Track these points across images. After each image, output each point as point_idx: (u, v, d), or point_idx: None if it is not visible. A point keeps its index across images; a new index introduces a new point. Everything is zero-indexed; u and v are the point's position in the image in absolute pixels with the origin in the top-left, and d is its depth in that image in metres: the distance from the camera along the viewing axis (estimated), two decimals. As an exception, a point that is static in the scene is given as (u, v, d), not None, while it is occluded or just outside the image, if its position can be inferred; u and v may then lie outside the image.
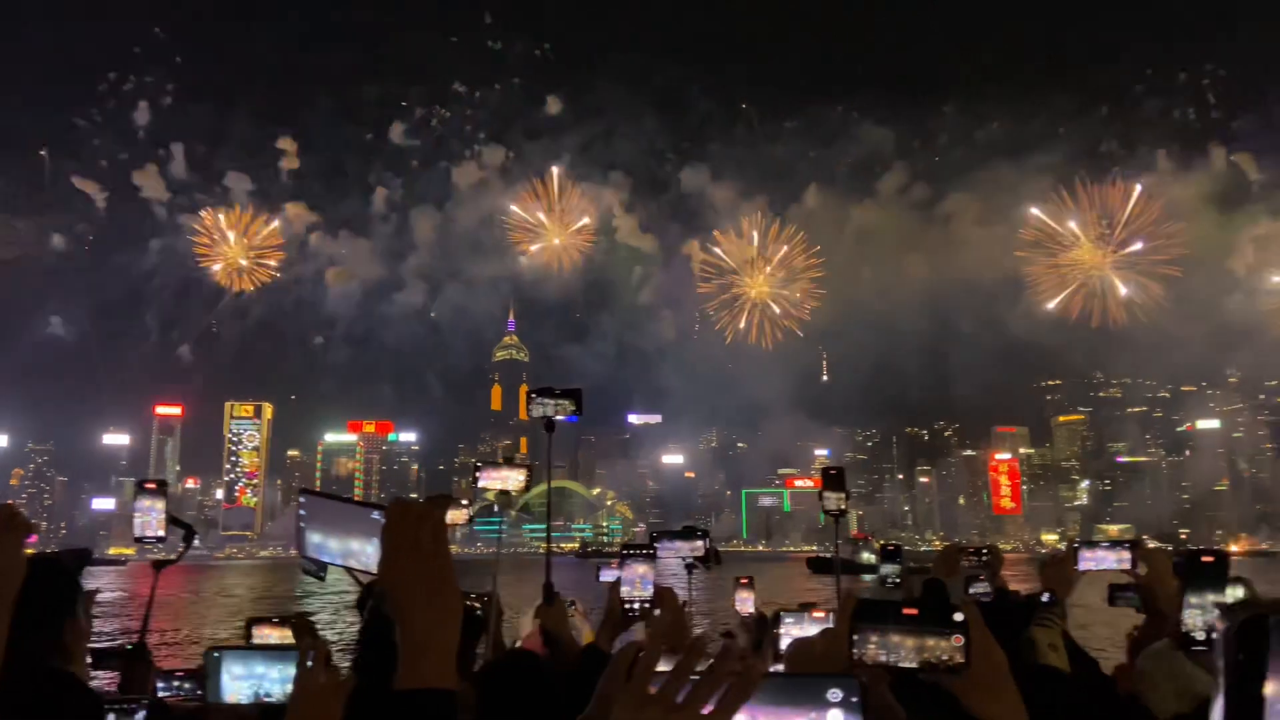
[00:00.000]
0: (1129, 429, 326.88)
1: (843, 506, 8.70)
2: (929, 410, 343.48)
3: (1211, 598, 3.66)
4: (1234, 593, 7.66)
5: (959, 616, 2.10)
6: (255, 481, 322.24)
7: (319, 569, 3.27)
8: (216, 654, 3.94)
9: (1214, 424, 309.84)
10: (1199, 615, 3.66)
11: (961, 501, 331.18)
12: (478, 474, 7.04)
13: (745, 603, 9.87)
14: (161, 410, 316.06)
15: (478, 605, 5.67)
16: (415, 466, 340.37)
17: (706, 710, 1.40)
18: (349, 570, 2.44)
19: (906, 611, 2.11)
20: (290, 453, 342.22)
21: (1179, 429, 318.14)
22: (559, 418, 7.42)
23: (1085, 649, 5.96)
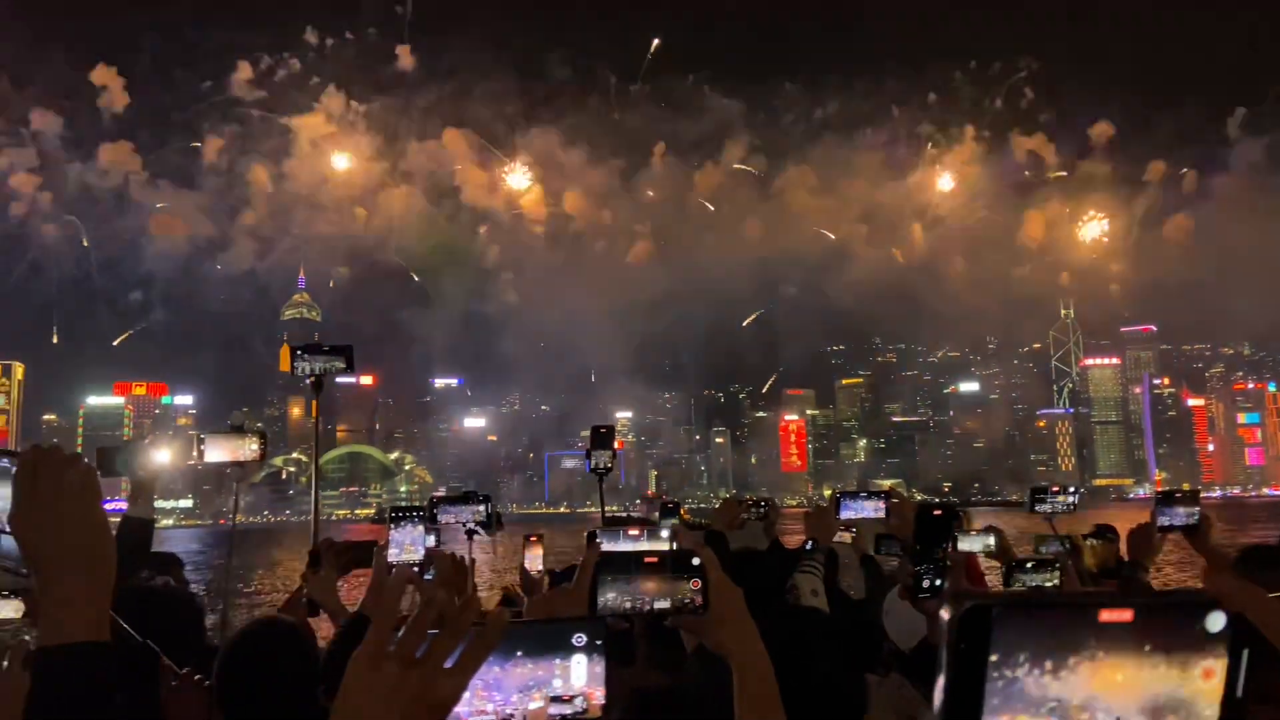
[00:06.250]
0: (902, 391, 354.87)
1: (609, 464, 8.85)
2: (725, 374, 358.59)
3: (940, 550, 3.83)
4: (985, 541, 8.38)
5: (696, 561, 2.20)
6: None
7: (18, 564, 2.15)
8: None
9: (974, 386, 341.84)
10: (927, 565, 3.81)
11: (754, 460, 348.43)
12: (202, 446, 6.49)
13: (534, 560, 9.88)
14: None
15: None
16: (193, 432, 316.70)
17: (448, 664, 1.34)
18: None
19: (648, 560, 2.20)
20: (46, 417, 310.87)
21: (945, 390, 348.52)
22: (344, 379, 7.05)
23: (846, 593, 6.27)
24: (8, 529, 1.90)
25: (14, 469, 1.88)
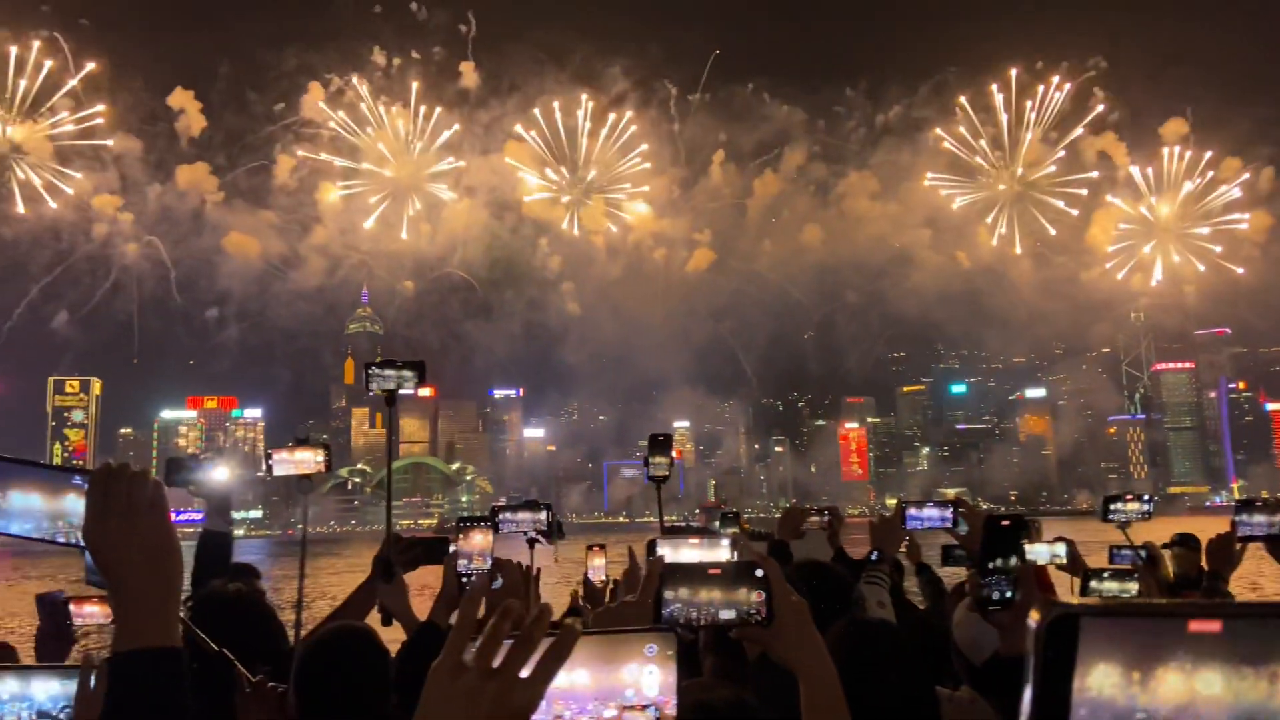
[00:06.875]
0: (965, 398, 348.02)
1: (667, 472, 8.89)
2: (785, 382, 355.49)
3: (1008, 561, 3.71)
4: (1055, 551, 8.18)
5: (759, 572, 2.19)
6: (82, 461, 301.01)
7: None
8: None
9: (1040, 393, 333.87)
10: (995, 577, 3.72)
11: (814, 469, 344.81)
12: (270, 460, 6.73)
13: (598, 570, 9.94)
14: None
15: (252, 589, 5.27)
16: (261, 442, 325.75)
17: (524, 674, 1.37)
18: (50, 542, 2.16)
19: (711, 571, 2.20)
20: (123, 430, 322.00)
21: (1010, 397, 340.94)
22: (404, 390, 7.13)
23: (913, 603, 6.19)
24: (84, 543, 2.01)
25: (87, 485, 2.01)
